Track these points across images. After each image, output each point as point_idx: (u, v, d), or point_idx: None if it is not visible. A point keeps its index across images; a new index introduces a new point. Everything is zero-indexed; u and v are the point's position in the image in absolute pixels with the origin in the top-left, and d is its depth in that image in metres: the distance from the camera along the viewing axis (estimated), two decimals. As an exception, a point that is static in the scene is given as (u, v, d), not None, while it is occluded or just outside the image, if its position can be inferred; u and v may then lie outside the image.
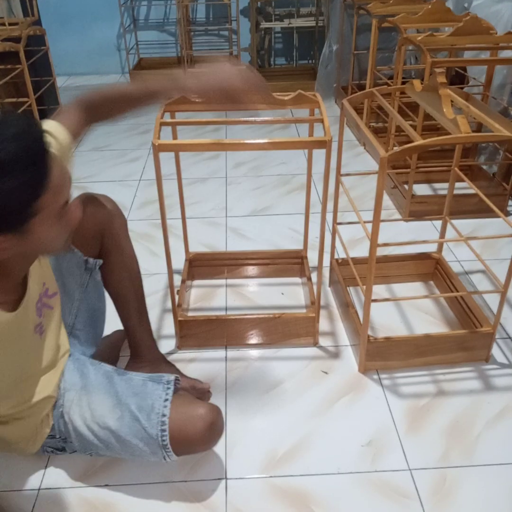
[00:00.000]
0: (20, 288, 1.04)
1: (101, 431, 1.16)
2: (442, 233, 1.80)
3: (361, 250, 1.92)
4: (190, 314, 1.74)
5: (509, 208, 2.29)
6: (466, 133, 1.24)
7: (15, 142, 0.81)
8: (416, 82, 1.49)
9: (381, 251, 1.57)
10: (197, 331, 1.59)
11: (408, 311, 1.75)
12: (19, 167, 0.81)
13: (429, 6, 2.44)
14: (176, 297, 1.61)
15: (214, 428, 1.18)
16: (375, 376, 1.51)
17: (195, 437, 1.15)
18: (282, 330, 1.61)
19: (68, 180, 0.92)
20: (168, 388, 1.18)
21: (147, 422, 1.13)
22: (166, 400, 1.15)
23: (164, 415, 1.13)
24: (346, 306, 1.65)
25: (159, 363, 1.42)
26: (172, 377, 1.21)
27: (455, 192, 1.74)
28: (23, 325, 1.05)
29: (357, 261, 1.68)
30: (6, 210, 0.82)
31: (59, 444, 1.22)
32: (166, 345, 1.62)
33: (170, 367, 1.44)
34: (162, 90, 1.13)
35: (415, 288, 1.86)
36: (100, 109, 1.15)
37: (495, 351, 1.58)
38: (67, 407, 1.18)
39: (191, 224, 1.97)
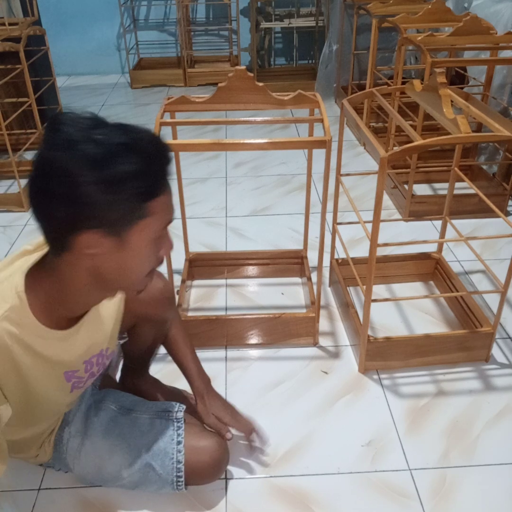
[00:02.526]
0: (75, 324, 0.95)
1: (109, 478, 1.15)
2: (442, 233, 1.80)
3: (361, 250, 1.92)
4: (190, 314, 1.74)
5: (509, 208, 2.29)
6: (466, 133, 1.24)
7: (151, 135, 0.79)
8: (416, 82, 1.49)
9: (381, 251, 1.57)
10: (197, 331, 1.59)
11: (408, 311, 1.75)
12: (149, 152, 0.76)
13: (429, 6, 2.44)
14: (176, 297, 1.61)
15: (220, 464, 1.18)
16: (375, 376, 1.51)
17: (200, 471, 1.15)
18: (282, 330, 1.60)
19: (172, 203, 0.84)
20: (179, 428, 1.15)
21: (162, 469, 1.11)
22: (179, 443, 1.13)
23: (179, 462, 1.11)
24: (346, 306, 1.65)
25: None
26: (181, 413, 1.17)
27: (455, 192, 1.74)
28: (64, 353, 0.94)
29: (357, 261, 1.68)
30: (124, 193, 0.75)
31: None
32: (166, 345, 1.62)
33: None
34: (194, 388, 1.26)
35: (415, 288, 1.86)
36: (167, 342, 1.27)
37: (495, 351, 1.58)
38: (70, 455, 1.15)
39: (191, 224, 1.97)
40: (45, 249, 0.88)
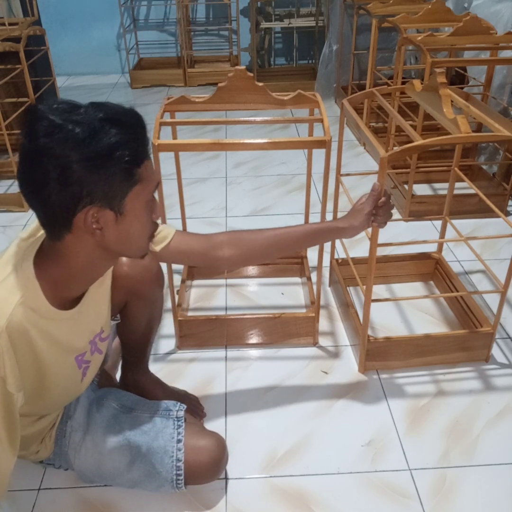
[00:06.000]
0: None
1: (109, 475, 1.15)
2: (442, 233, 1.80)
3: (361, 250, 1.92)
4: (190, 314, 1.74)
5: (509, 208, 2.29)
6: (466, 133, 1.24)
7: (125, 107, 0.83)
8: (416, 82, 1.49)
9: (381, 251, 1.57)
10: (197, 331, 1.59)
11: (408, 311, 1.75)
12: (128, 122, 0.80)
13: (429, 6, 2.44)
14: (176, 297, 1.61)
15: (219, 463, 1.18)
16: (375, 376, 1.51)
17: (199, 470, 1.15)
18: (282, 330, 1.60)
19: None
20: (180, 427, 1.15)
21: (161, 467, 1.12)
22: (179, 441, 1.13)
23: (179, 460, 1.12)
24: (346, 306, 1.65)
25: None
26: (181, 412, 1.18)
27: (455, 192, 1.74)
28: (75, 333, 0.99)
29: (357, 261, 1.68)
30: (114, 164, 0.78)
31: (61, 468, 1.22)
32: (166, 345, 1.62)
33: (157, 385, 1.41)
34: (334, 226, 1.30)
35: (415, 288, 1.86)
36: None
37: (495, 351, 1.58)
38: (72, 449, 1.15)
39: (191, 224, 1.97)
40: (38, 236, 0.91)
